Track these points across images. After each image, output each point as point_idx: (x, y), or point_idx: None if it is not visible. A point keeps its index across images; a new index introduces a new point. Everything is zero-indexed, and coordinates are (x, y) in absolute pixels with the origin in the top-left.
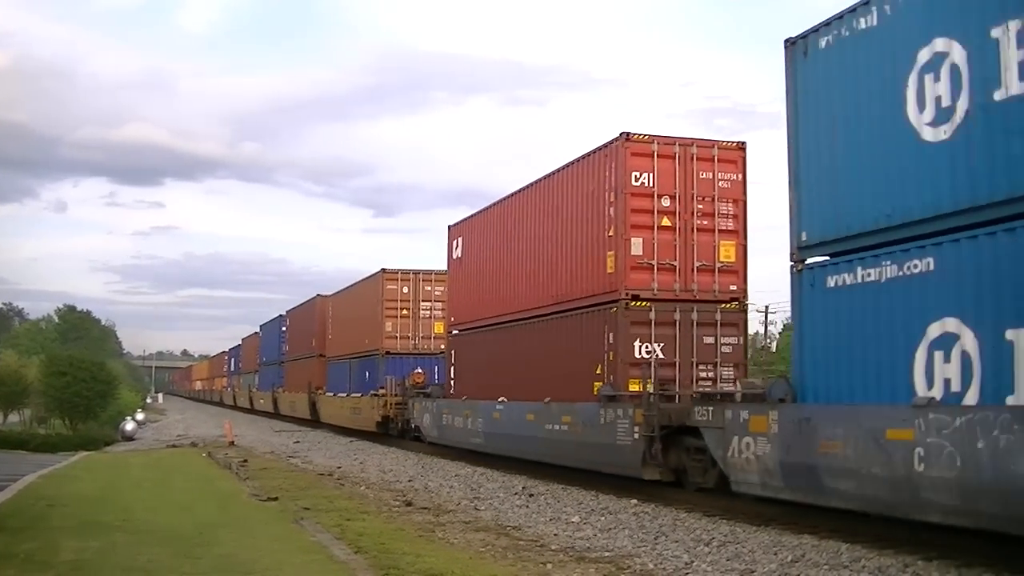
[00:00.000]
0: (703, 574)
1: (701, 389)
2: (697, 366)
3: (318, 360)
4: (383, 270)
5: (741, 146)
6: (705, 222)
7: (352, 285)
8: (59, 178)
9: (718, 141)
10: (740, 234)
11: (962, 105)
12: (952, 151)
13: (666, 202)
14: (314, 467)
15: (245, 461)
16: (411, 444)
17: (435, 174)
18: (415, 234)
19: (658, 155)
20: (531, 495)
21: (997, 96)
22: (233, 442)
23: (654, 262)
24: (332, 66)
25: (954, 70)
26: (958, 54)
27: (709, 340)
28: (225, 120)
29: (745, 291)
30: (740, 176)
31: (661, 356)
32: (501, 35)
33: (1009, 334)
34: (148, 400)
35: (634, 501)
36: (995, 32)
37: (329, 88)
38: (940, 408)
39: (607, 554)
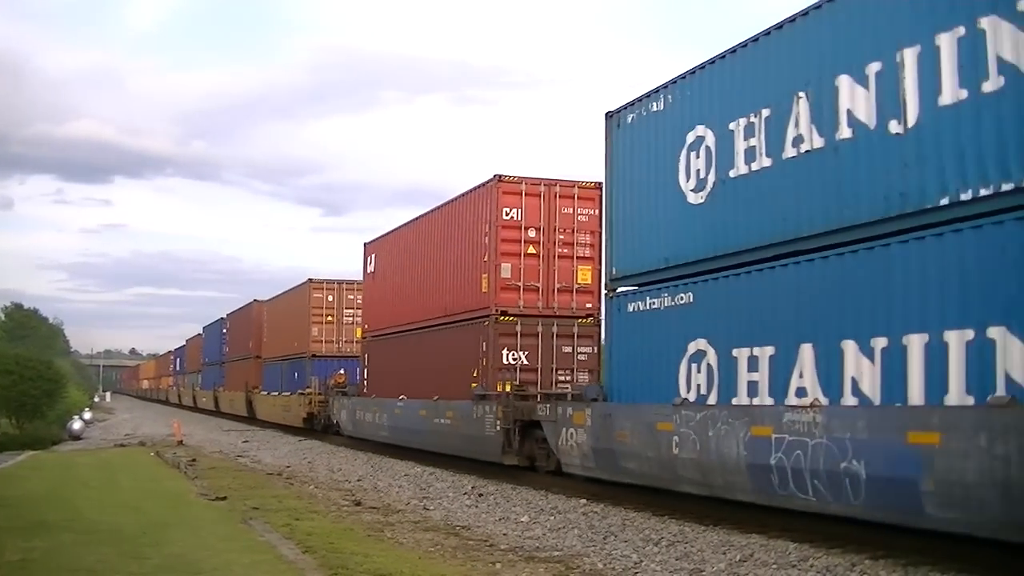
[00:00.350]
0: (652, 574)
1: (557, 391)
2: (556, 371)
3: (255, 361)
4: (310, 280)
5: (597, 185)
6: (565, 250)
7: (284, 292)
8: (5, 175)
9: (578, 181)
10: (596, 260)
11: (711, 178)
12: (705, 213)
13: (532, 233)
14: (263, 466)
15: (194, 460)
16: (362, 444)
17: (385, 173)
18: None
19: (526, 194)
20: (480, 495)
21: (731, 174)
22: (182, 441)
23: (520, 283)
24: (279, 64)
25: (707, 151)
26: (710, 138)
27: (567, 349)
28: (173, 118)
29: (599, 308)
30: (596, 211)
31: (525, 362)
32: (450, 35)
33: (734, 352)
34: (96, 399)
35: (583, 501)
36: (731, 126)
37: (276, 86)
38: (689, 406)
39: (556, 554)
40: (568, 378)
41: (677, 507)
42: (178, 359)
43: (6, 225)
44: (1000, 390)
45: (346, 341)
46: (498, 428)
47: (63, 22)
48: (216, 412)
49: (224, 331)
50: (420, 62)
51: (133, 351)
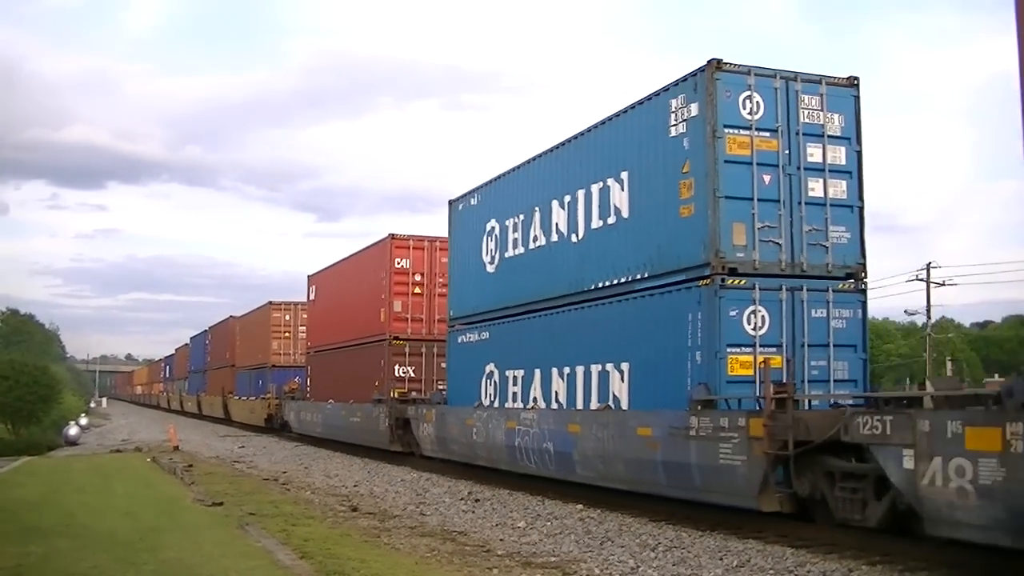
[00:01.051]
0: None
1: (421, 397)
2: (436, 382)
3: (230, 370)
4: (270, 302)
5: None
6: (443, 290)
7: (252, 311)
8: (0, 181)
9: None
10: None
11: (498, 256)
12: (495, 279)
13: (417, 277)
14: (259, 472)
15: (190, 466)
16: (358, 450)
17: (380, 178)
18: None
19: (413, 247)
20: (477, 500)
21: (507, 255)
22: (178, 447)
23: (409, 315)
24: (274, 69)
25: (496, 237)
26: (498, 229)
27: (444, 365)
28: (168, 123)
29: None
30: None
31: (412, 375)
32: (444, 40)
33: (507, 372)
34: (92, 404)
35: (580, 506)
36: (507, 222)
37: (271, 91)
38: (482, 408)
39: (553, 559)
40: (444, 387)
41: (674, 512)
42: (168, 366)
43: (1, 231)
44: (607, 400)
45: (300, 354)
46: (386, 423)
47: (58, 26)
48: (199, 415)
49: (207, 342)
50: (414, 66)
51: (129, 356)
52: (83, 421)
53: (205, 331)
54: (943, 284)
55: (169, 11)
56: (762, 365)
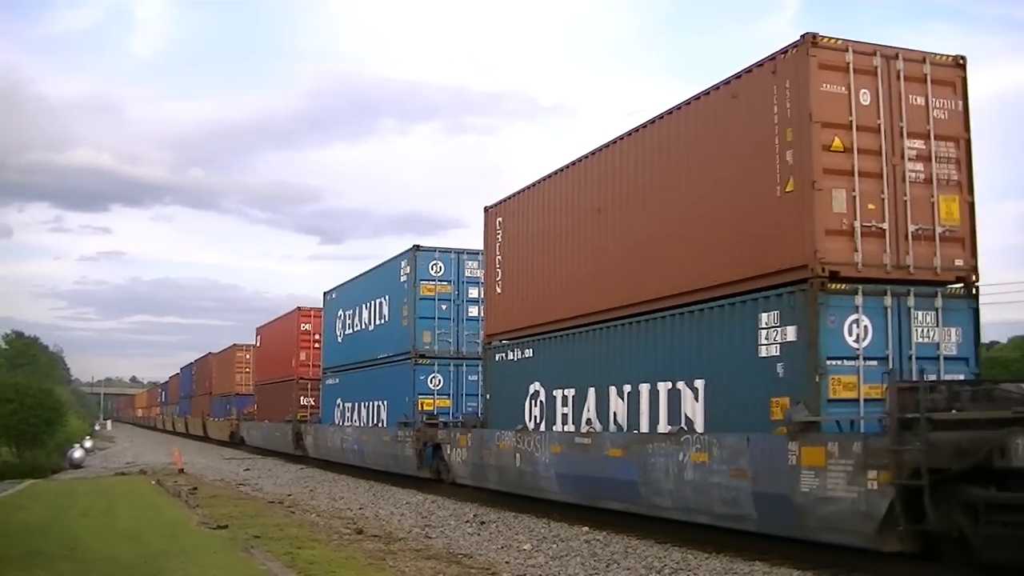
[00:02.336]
0: None
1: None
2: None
3: (208, 396)
4: (235, 344)
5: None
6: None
7: (223, 350)
8: (4, 203)
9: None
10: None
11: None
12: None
13: (317, 336)
14: (264, 495)
15: (195, 489)
16: (364, 473)
17: (383, 201)
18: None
19: (314, 317)
20: (482, 523)
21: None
22: (183, 469)
23: (310, 363)
24: (278, 92)
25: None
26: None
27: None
28: (171, 146)
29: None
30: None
31: (313, 404)
32: (448, 63)
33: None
34: (96, 427)
35: (585, 528)
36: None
37: (274, 114)
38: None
39: None
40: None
41: (680, 535)
42: (163, 392)
43: (5, 253)
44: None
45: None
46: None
47: (63, 50)
48: (187, 434)
49: (192, 373)
50: (417, 89)
51: (133, 379)
52: (87, 444)
53: (191, 363)
54: None
55: (174, 35)
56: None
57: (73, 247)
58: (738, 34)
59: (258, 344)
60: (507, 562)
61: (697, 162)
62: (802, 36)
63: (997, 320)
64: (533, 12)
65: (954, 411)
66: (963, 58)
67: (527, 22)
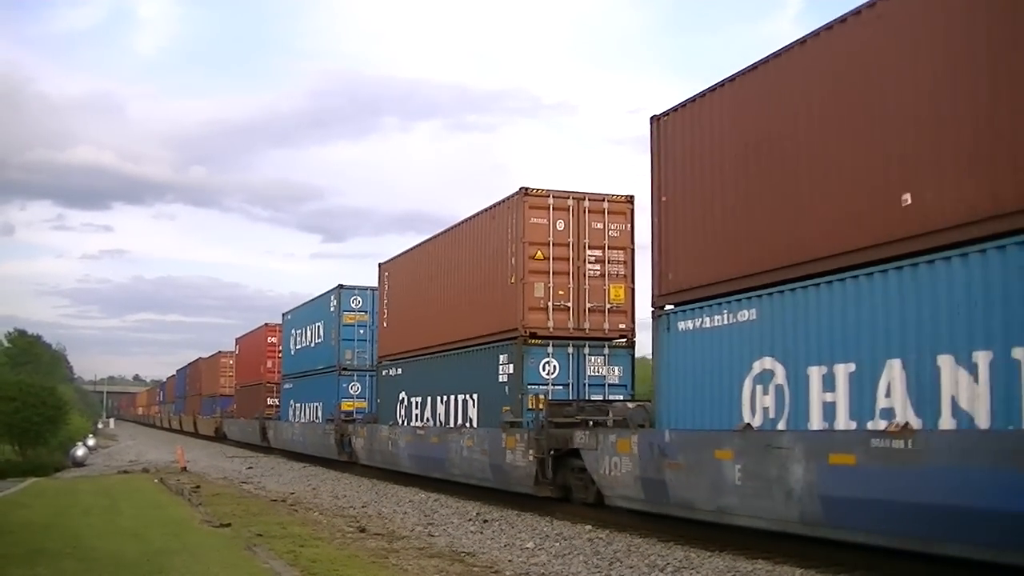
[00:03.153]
0: None
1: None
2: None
3: (198, 397)
4: (219, 352)
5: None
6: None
7: (211, 355)
8: (6, 201)
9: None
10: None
11: None
12: None
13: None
14: (267, 493)
15: (197, 487)
16: (360, 469)
17: (385, 199)
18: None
19: (272, 330)
20: (485, 521)
21: None
22: (185, 468)
23: (276, 371)
24: (280, 90)
25: None
26: None
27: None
28: (173, 144)
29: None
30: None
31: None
32: (449, 61)
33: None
34: (99, 425)
35: (588, 527)
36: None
37: (277, 112)
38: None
39: None
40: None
41: (683, 533)
42: (161, 392)
43: (7, 251)
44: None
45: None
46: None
47: (65, 48)
48: (181, 431)
49: (186, 375)
50: (419, 87)
51: (136, 377)
52: (90, 442)
53: (186, 366)
54: None
55: (176, 33)
56: None
57: (75, 245)
58: (741, 33)
59: (237, 352)
60: (510, 560)
61: (475, 256)
62: (521, 188)
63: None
64: (535, 10)
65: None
66: (632, 197)
67: (529, 20)
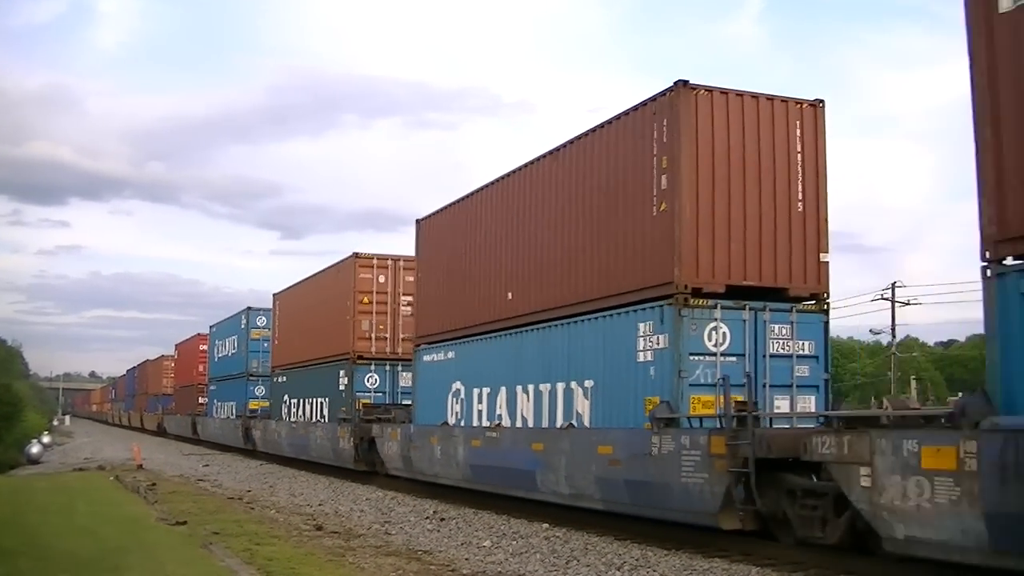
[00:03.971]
0: None
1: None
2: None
3: (145, 395)
4: (163, 355)
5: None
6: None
7: (156, 358)
8: None
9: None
10: None
11: None
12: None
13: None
14: (223, 491)
15: (153, 484)
16: (321, 468)
17: (344, 196)
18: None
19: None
20: (442, 519)
21: None
22: (141, 465)
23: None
24: (240, 86)
25: None
26: None
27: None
28: (132, 139)
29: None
30: None
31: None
32: (409, 58)
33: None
34: (55, 422)
35: (545, 525)
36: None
37: (236, 108)
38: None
39: None
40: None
41: (640, 531)
42: (114, 390)
43: None
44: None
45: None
46: (190, 425)
47: (23, 42)
48: (129, 427)
49: (135, 375)
50: (379, 84)
51: (93, 374)
52: (46, 439)
53: (135, 367)
54: (908, 304)
55: (136, 28)
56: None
57: (32, 241)
58: (703, 33)
59: (176, 356)
60: (467, 559)
61: (324, 299)
62: (353, 253)
63: (955, 318)
64: (496, 9)
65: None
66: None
67: (490, 19)
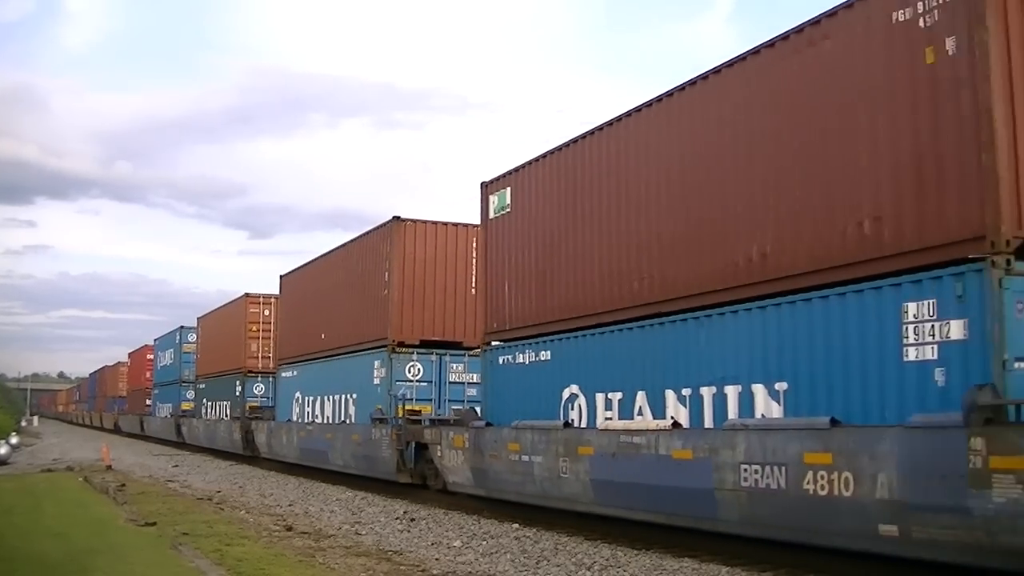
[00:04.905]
0: None
1: None
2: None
3: (105, 397)
4: (119, 362)
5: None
6: None
7: (114, 364)
8: None
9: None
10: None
11: None
12: None
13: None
14: (193, 491)
15: (123, 485)
16: (293, 469)
17: (311, 196)
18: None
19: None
20: (412, 520)
21: None
22: (111, 466)
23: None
24: (207, 86)
25: None
26: None
27: None
28: (99, 138)
29: None
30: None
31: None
32: (376, 58)
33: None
34: (23, 423)
35: (516, 525)
36: (169, 351)
37: (203, 108)
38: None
39: None
40: None
41: (609, 532)
42: (78, 391)
43: None
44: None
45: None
46: (139, 424)
47: None
48: (91, 426)
49: (96, 379)
50: (347, 84)
51: (61, 374)
52: (13, 440)
53: (96, 371)
54: None
55: (105, 27)
56: None
57: None
58: (672, 32)
59: (129, 363)
60: (437, 559)
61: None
62: (393, 217)
63: None
64: (463, 9)
65: None
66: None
67: (457, 20)
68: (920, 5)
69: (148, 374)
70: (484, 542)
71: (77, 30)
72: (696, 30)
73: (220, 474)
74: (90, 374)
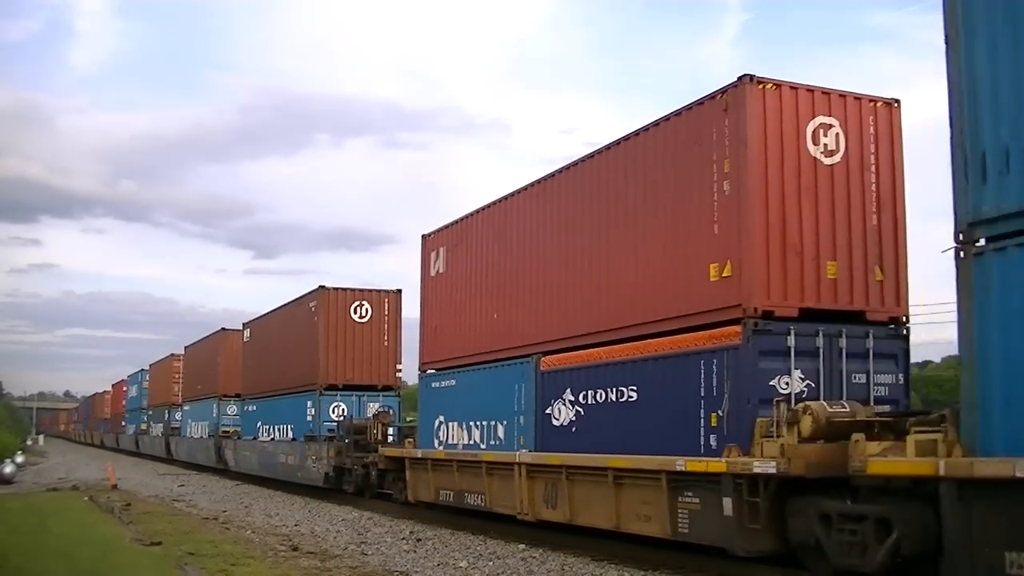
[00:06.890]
0: None
1: None
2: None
3: (95, 419)
4: (106, 390)
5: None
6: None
7: (103, 392)
8: None
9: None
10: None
11: None
12: None
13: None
14: (199, 511)
15: (128, 505)
16: (298, 489)
17: (316, 215)
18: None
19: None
20: (418, 540)
21: None
22: (116, 485)
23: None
24: (212, 105)
25: None
26: None
27: None
28: (104, 157)
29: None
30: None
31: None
32: (382, 78)
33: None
34: (29, 442)
35: (522, 546)
36: (136, 385)
37: (208, 127)
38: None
39: None
40: None
41: (617, 552)
42: (76, 413)
43: None
44: None
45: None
46: (116, 440)
47: None
48: (85, 443)
49: (90, 403)
50: (352, 104)
51: (67, 393)
52: (19, 459)
53: (90, 396)
54: None
55: (112, 47)
56: None
57: (3, 259)
58: (678, 55)
59: (111, 392)
60: None
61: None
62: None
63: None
64: (468, 30)
65: None
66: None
67: (463, 40)
68: None
69: (123, 402)
70: (490, 563)
71: (84, 50)
72: (703, 52)
73: (226, 494)
74: (84, 398)
